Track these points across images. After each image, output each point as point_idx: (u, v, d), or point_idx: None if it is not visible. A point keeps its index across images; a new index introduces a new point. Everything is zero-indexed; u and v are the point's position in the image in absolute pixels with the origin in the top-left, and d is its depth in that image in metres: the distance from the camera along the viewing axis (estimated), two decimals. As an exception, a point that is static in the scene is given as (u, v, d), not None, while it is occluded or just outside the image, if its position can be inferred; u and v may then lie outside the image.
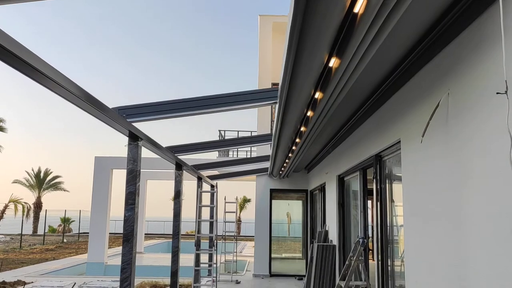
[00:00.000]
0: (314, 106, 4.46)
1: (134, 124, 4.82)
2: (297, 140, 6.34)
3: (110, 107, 4.20)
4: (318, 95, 4.09)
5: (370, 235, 6.39)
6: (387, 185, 5.40)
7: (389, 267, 5.26)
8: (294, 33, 2.77)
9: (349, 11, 2.59)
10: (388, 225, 5.31)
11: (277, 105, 4.94)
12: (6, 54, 2.35)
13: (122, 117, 4.59)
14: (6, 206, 24.69)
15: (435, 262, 3.52)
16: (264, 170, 12.15)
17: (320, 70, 3.51)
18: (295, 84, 3.86)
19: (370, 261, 6.18)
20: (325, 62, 3.33)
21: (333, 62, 3.23)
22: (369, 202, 6.64)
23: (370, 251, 6.13)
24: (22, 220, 26.43)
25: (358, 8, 2.46)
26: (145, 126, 5.17)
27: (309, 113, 4.77)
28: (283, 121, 5.33)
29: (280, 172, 11.50)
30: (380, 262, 5.37)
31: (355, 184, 7.33)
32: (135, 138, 4.91)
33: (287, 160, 8.90)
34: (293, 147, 7.07)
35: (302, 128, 5.53)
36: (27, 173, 36.28)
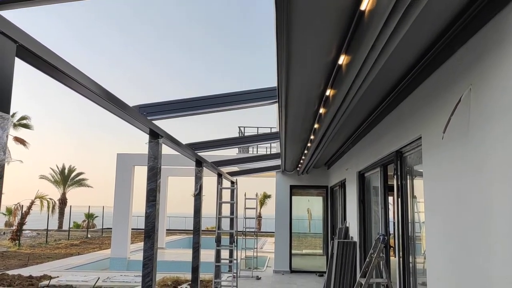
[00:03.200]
0: (326, 103, 4.45)
1: (154, 121, 4.88)
2: (312, 137, 6.32)
3: (131, 105, 4.27)
4: (329, 92, 4.07)
5: (391, 231, 6.33)
6: (408, 181, 5.33)
7: (410, 264, 5.21)
8: (283, 30, 2.79)
9: (355, 8, 2.59)
10: (409, 221, 5.25)
11: (277, 104, 4.95)
12: (29, 55, 2.41)
13: (143, 115, 4.65)
14: (32, 202, 25.32)
15: (456, 261, 3.47)
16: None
17: (324, 67, 3.53)
18: (291, 82, 3.88)
19: (392, 258, 6.12)
20: (333, 59, 3.35)
21: (343, 60, 3.24)
22: (390, 198, 6.58)
23: (391, 248, 6.08)
24: (48, 216, 27.10)
25: (365, 5, 2.44)
26: (164, 123, 5.23)
27: (322, 110, 4.76)
28: (286, 118, 5.37)
29: (298, 169, 11.46)
30: (401, 259, 5.32)
31: (375, 180, 7.26)
32: (155, 135, 4.97)
33: (303, 157, 8.88)
34: (308, 144, 7.05)
35: (316, 125, 5.52)
36: (52, 170, 37.18)
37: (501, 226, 2.72)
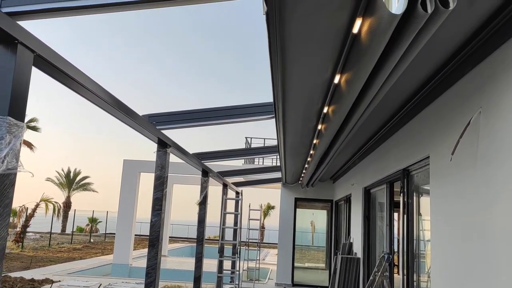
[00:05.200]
0: (324, 119, 4.51)
1: (163, 131, 4.92)
2: (312, 151, 6.37)
3: (141, 114, 4.32)
4: (327, 109, 4.13)
5: (395, 249, 6.28)
6: (414, 198, 5.31)
7: (414, 282, 5.16)
8: (277, 51, 2.85)
9: (348, 31, 2.64)
10: (414, 239, 5.21)
11: (274, 119, 5.02)
12: (45, 64, 2.45)
13: (152, 125, 4.69)
14: (37, 205, 25.40)
15: (461, 281, 3.44)
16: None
17: (320, 86, 3.62)
18: (287, 99, 3.98)
19: (395, 275, 6.07)
20: (330, 78, 3.43)
21: (338, 79, 3.33)
22: (395, 214, 6.53)
23: (395, 266, 6.03)
24: (52, 219, 27.14)
25: (357, 29, 2.49)
26: (171, 131, 5.27)
27: (320, 126, 4.82)
28: (284, 133, 5.46)
29: (300, 182, 11.46)
30: (405, 276, 5.28)
31: (381, 196, 7.23)
32: (163, 145, 5.00)
33: (304, 171, 8.92)
34: (309, 159, 7.10)
35: (315, 141, 5.57)
36: (58, 173, 37.31)
37: (505, 251, 2.70)
